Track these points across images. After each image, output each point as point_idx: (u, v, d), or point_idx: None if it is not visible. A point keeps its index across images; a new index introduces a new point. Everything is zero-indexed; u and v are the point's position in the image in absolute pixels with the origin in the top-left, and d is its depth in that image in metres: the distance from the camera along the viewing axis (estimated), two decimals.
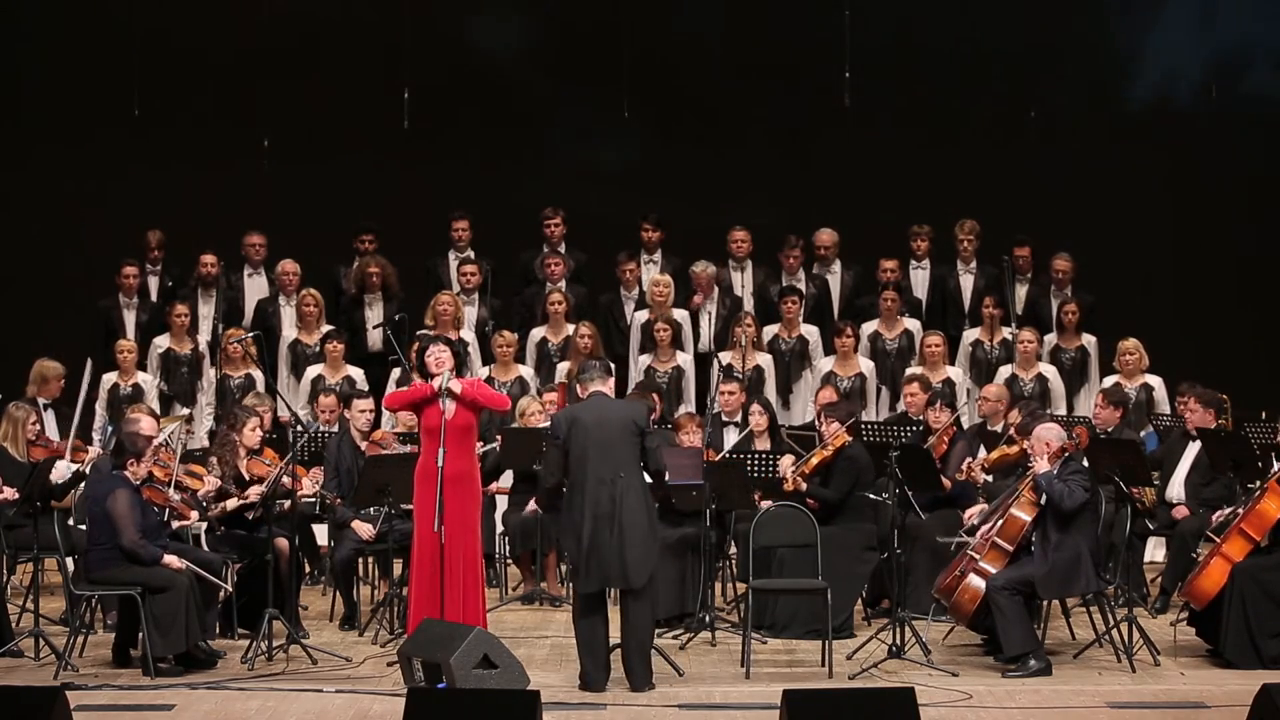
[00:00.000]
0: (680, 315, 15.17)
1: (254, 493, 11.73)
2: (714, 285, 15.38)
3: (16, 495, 11.58)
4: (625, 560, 10.28)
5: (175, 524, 11.33)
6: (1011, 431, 12.04)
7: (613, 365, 11.45)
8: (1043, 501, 10.94)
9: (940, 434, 12.35)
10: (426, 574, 10.69)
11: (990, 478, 11.96)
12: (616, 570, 10.29)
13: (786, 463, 12.11)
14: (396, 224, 16.04)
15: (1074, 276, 15.46)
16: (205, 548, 11.83)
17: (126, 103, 16.90)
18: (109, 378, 14.68)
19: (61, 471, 11.96)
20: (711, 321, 15.13)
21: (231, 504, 11.78)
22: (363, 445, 12.45)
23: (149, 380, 14.73)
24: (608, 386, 10.70)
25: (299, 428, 12.91)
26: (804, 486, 11.89)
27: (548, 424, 12.37)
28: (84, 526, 11.33)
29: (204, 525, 11.91)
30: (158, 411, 13.79)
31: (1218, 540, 11.25)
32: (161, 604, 10.68)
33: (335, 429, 13.36)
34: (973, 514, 11.60)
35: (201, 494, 11.61)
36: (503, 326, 15.16)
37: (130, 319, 15.37)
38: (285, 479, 11.52)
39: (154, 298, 15.61)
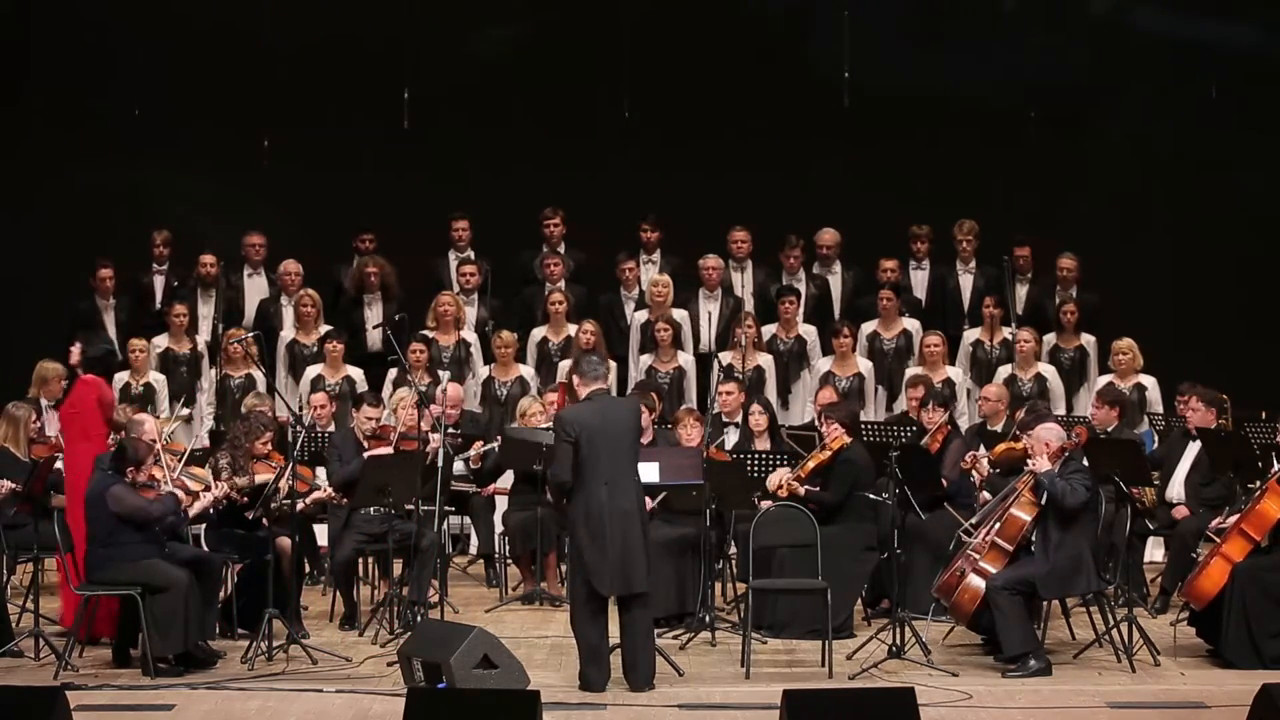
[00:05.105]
0: (680, 315, 15.16)
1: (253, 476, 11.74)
2: (719, 284, 15.36)
3: (19, 486, 11.60)
4: (644, 561, 10.31)
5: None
6: (1016, 430, 12.03)
7: (613, 363, 11.44)
8: (1043, 501, 10.93)
9: (933, 434, 12.36)
10: None
11: (996, 470, 11.94)
12: (639, 572, 10.30)
13: (776, 479, 12.05)
14: (396, 224, 16.03)
15: (1078, 276, 15.46)
16: (205, 547, 11.82)
17: (127, 103, 16.89)
18: (120, 377, 14.67)
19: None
20: (713, 322, 15.11)
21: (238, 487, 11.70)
22: (365, 444, 12.44)
23: (161, 380, 14.73)
24: (608, 385, 10.67)
25: (299, 427, 12.90)
26: (800, 491, 11.88)
27: (548, 425, 12.36)
28: None
29: (203, 525, 11.89)
30: (165, 413, 13.81)
31: (1218, 540, 11.25)
32: (161, 604, 10.67)
33: (331, 427, 13.41)
34: (982, 498, 11.55)
35: (206, 503, 11.56)
36: (503, 326, 15.15)
37: (110, 320, 15.35)
38: (284, 481, 11.49)
39: (159, 298, 15.60)
